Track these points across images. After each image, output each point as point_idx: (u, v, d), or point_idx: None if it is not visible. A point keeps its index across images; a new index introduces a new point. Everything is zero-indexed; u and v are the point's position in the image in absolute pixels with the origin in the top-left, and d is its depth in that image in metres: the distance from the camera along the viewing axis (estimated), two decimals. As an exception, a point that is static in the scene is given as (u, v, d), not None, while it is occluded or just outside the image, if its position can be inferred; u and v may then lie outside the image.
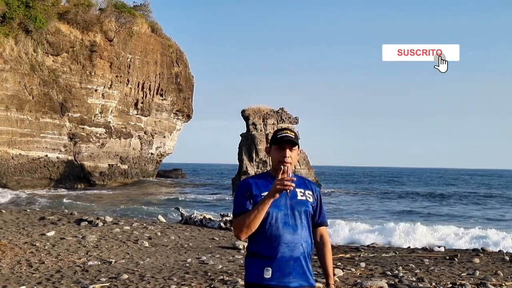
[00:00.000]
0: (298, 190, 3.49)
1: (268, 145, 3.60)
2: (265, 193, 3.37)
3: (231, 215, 17.21)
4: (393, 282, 8.61)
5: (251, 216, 3.34)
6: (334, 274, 3.45)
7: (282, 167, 3.41)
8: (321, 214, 3.62)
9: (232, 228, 16.34)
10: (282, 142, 3.47)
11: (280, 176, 3.31)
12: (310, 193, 3.56)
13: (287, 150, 3.47)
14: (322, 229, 3.63)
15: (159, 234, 14.36)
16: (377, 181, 77.64)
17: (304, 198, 3.50)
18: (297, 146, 3.53)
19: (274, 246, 3.37)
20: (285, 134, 3.49)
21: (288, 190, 3.27)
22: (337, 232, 17.19)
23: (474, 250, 13.89)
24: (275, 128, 40.84)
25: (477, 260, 11.65)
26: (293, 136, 3.50)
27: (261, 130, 40.85)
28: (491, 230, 17.71)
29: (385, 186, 62.95)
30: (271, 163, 3.62)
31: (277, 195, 3.29)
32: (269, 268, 3.35)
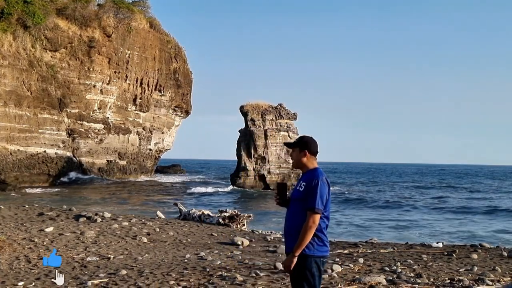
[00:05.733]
0: (301, 182, 4.54)
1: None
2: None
3: (229, 211, 17.26)
4: (391, 278, 8.62)
5: None
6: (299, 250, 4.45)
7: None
8: (308, 200, 4.41)
9: (230, 224, 16.48)
10: (286, 146, 4.72)
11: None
12: (304, 183, 4.49)
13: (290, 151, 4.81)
14: (307, 213, 4.44)
15: (157, 230, 14.36)
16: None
17: (297, 188, 4.55)
18: (297, 149, 4.62)
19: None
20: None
21: (279, 203, 4.74)
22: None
23: (472, 246, 13.91)
24: (273, 124, 40.83)
25: (475, 256, 11.66)
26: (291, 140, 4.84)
27: (259, 126, 40.78)
28: None
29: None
30: None
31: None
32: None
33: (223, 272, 8.80)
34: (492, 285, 8.34)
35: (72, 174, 42.23)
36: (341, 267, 9.54)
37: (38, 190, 34.68)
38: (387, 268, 9.66)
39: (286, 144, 4.64)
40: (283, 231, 4.77)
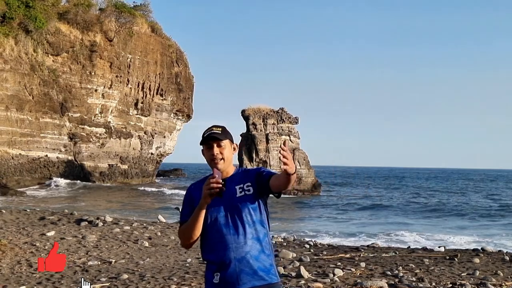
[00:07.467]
0: (237, 187, 3.31)
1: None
2: None
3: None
4: (393, 282, 8.61)
5: (188, 226, 3.26)
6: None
7: (213, 167, 3.25)
8: (267, 174, 3.31)
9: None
10: (208, 141, 3.32)
11: (207, 181, 3.12)
12: (249, 184, 3.32)
13: (215, 147, 3.30)
14: (272, 177, 3.25)
15: (159, 234, 14.35)
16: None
17: (242, 193, 3.30)
18: (227, 141, 3.34)
19: (217, 250, 3.24)
20: (209, 132, 3.31)
21: (218, 192, 3.06)
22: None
23: (474, 250, 13.88)
24: (276, 128, 40.83)
25: (477, 260, 11.64)
26: (219, 132, 3.32)
27: (261, 130, 40.80)
28: None
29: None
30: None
31: (209, 200, 3.13)
32: (218, 273, 3.22)
33: (225, 276, 8.78)
34: (494, 289, 8.31)
35: (74, 179, 42.24)
36: (343, 271, 9.52)
37: (39, 193, 34.68)
38: (388, 272, 9.64)
39: (215, 138, 3.30)
40: (225, 257, 3.25)
